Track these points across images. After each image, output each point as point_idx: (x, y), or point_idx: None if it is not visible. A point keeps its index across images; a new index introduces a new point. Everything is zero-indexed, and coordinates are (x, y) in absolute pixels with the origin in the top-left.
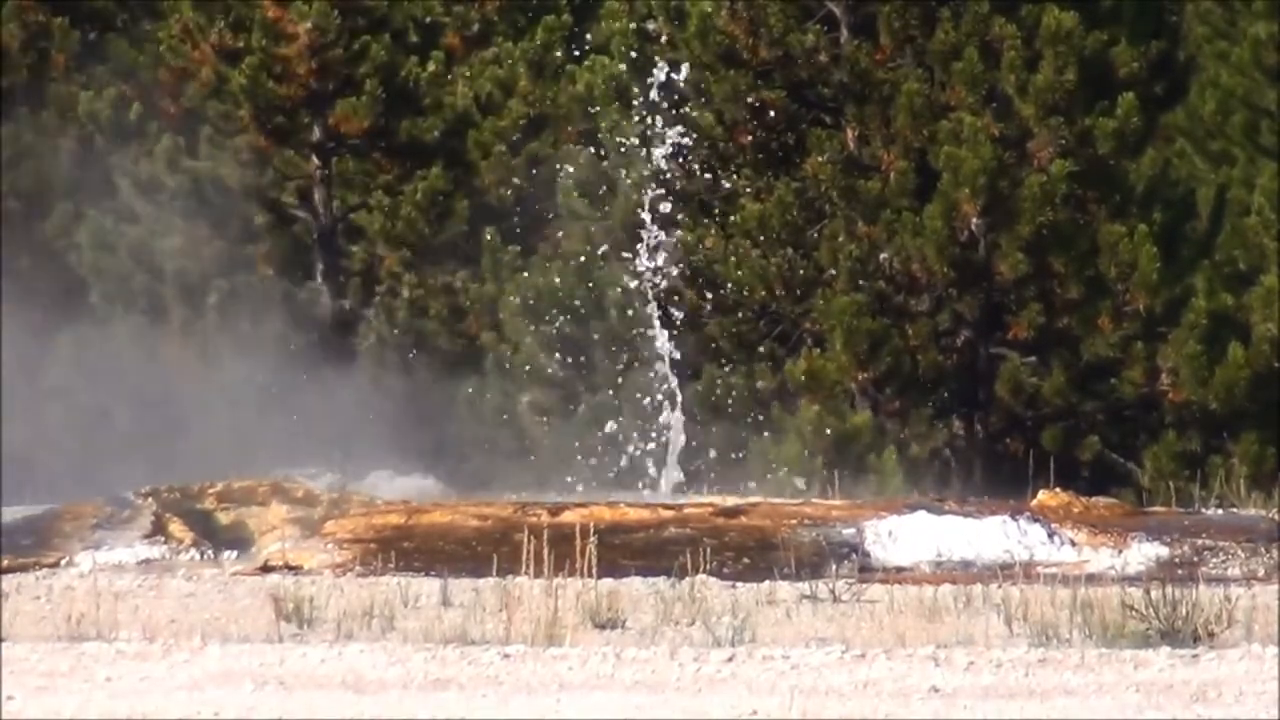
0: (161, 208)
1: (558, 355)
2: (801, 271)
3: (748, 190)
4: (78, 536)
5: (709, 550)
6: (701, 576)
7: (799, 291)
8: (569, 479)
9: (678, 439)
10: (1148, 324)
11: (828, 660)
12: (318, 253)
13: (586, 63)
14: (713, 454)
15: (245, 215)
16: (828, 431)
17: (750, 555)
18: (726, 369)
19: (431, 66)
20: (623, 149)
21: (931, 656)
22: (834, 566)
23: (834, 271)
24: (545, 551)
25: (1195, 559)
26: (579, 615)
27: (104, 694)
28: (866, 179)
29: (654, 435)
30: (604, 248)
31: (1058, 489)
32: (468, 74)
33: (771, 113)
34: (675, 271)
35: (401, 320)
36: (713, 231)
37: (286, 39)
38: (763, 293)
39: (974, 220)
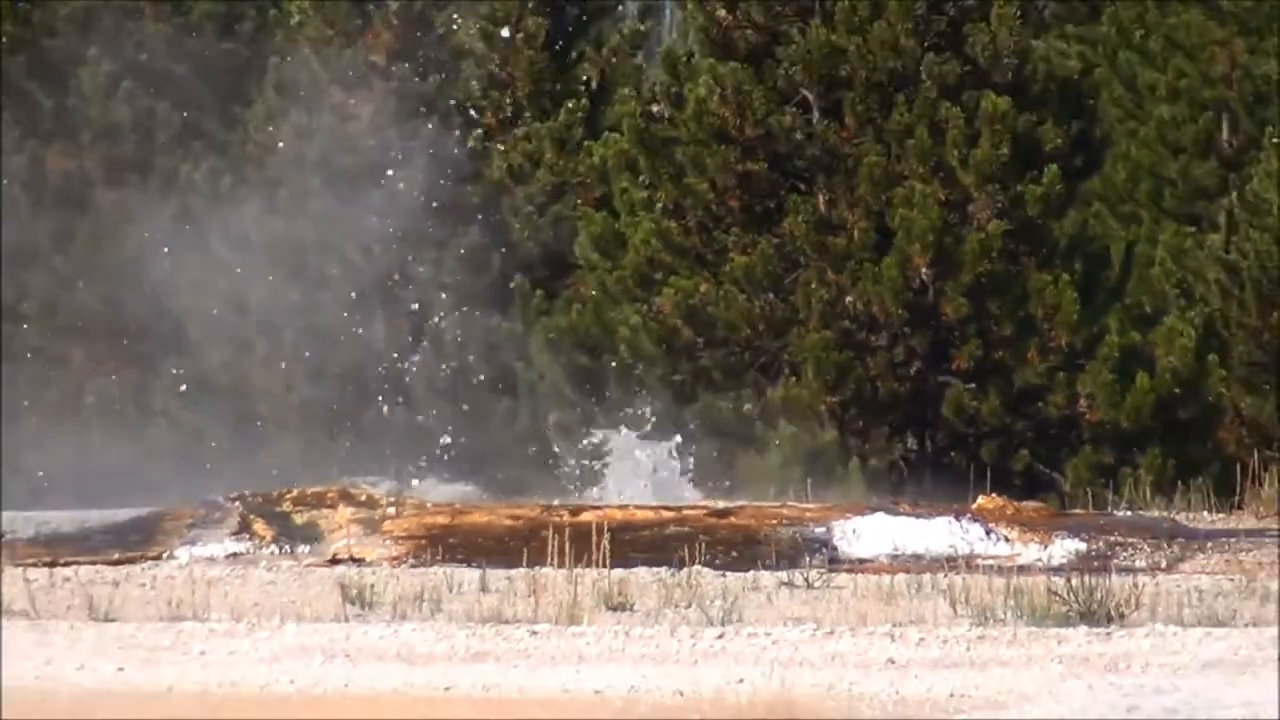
0: (248, 258)
1: (577, 382)
2: (780, 313)
3: (736, 245)
4: (177, 534)
5: (704, 545)
6: (697, 567)
7: (779, 329)
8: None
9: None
10: (1069, 357)
11: (802, 637)
12: (378, 297)
13: (601, 139)
14: (706, 465)
15: (318, 265)
16: (798, 443)
17: (738, 549)
18: (718, 394)
19: (472, 142)
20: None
21: (889, 634)
22: (808, 558)
23: (807, 313)
24: (567, 546)
25: (1108, 553)
26: (595, 599)
27: (198, 666)
28: (835, 236)
29: (657, 449)
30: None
31: (994, 495)
32: (502, 148)
33: (755, 181)
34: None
35: (447, 353)
36: (707, 279)
37: (352, 119)
38: (748, 330)
39: (924, 270)
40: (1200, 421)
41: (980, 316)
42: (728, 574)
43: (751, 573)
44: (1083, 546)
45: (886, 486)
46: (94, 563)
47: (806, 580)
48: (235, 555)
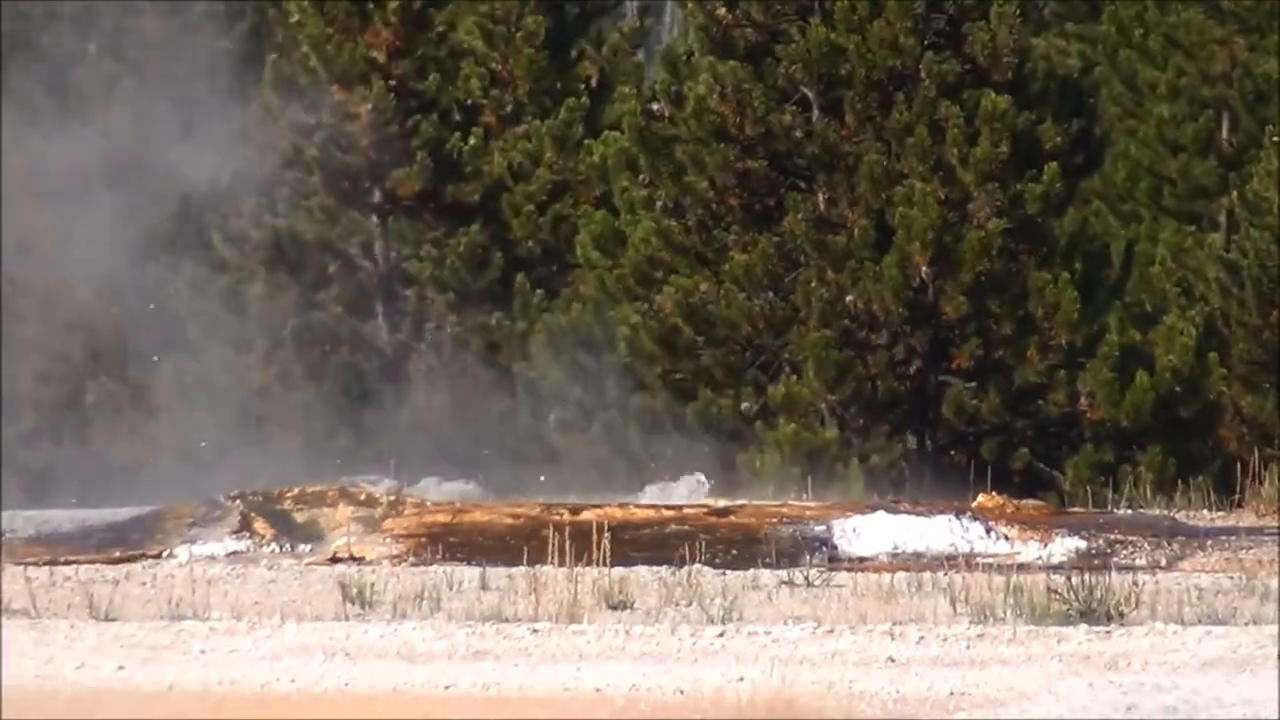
0: (247, 257)
1: (577, 381)
2: (780, 311)
3: (736, 243)
4: (177, 533)
5: (704, 544)
6: (697, 566)
7: (779, 328)
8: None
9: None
10: (1069, 355)
11: (802, 635)
12: (378, 295)
13: (601, 138)
14: (707, 463)
15: (318, 264)
16: (799, 442)
17: (738, 548)
18: (718, 392)
19: (472, 140)
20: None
21: (888, 632)
22: (807, 557)
23: (807, 311)
24: (567, 545)
25: (1108, 551)
26: (595, 598)
27: (199, 664)
28: (834, 235)
29: (656, 448)
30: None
31: (994, 493)
32: (503, 146)
33: (755, 179)
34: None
35: (447, 352)
36: (707, 277)
37: (351, 118)
38: (748, 329)
39: (924, 269)
40: (1200, 420)
41: (980, 315)
42: (728, 572)
43: (752, 571)
44: (1083, 545)
45: (887, 485)
46: (94, 561)
47: (806, 579)
48: (235, 554)
